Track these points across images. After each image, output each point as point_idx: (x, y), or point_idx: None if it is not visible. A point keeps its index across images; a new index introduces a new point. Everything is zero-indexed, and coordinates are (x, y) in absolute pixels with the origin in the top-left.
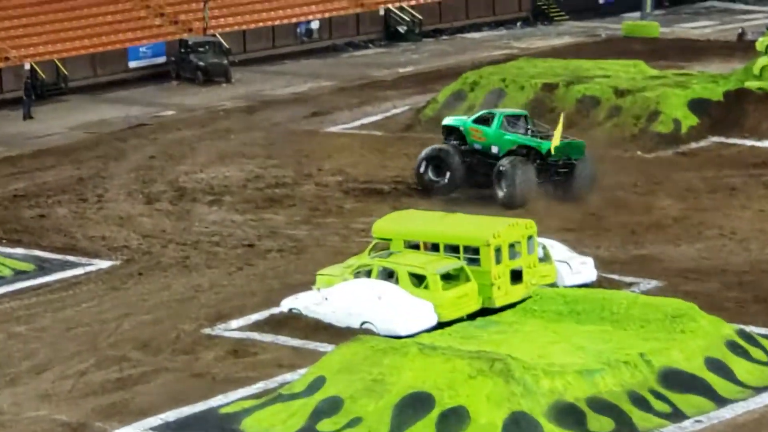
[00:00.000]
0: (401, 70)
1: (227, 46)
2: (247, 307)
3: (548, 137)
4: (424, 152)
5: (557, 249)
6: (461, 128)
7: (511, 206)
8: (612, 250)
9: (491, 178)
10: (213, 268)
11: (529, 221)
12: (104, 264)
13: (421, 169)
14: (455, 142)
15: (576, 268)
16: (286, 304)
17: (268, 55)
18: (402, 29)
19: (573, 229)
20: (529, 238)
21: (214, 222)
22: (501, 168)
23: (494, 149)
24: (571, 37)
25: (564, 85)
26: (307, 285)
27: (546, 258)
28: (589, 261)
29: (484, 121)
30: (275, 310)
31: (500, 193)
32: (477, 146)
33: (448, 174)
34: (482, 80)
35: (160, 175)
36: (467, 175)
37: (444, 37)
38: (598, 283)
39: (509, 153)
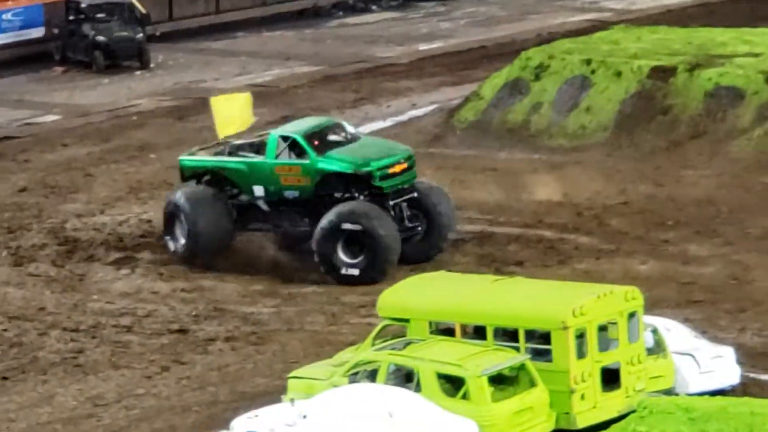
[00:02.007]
0: (423, 47)
1: (143, 11)
2: (178, 430)
3: None
4: None
5: (677, 334)
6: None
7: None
8: (766, 335)
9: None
10: (122, 368)
11: (632, 289)
12: None
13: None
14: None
15: (707, 364)
16: (241, 426)
17: (209, 24)
18: None
19: (700, 300)
20: (632, 316)
21: (124, 294)
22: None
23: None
24: None
25: (686, 70)
26: (273, 394)
27: (659, 349)
28: (728, 353)
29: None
30: None
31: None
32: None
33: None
34: (554, 62)
35: (35, 220)
36: None
37: None
38: (743, 389)
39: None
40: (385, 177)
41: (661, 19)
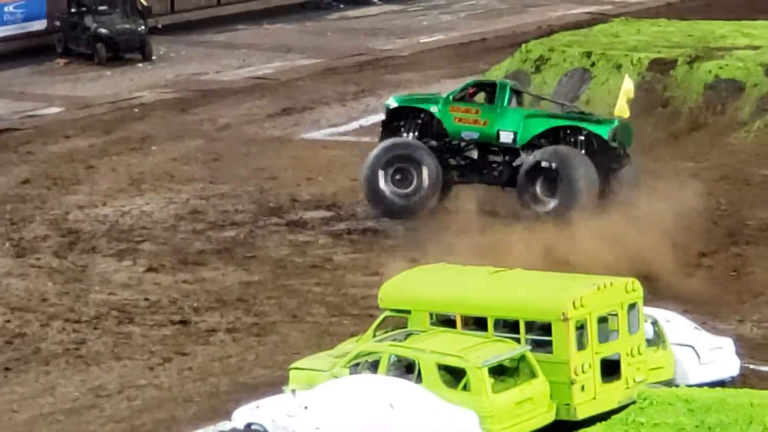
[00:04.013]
0: (424, 40)
1: (145, 3)
2: (180, 421)
3: (591, 117)
4: (376, 152)
5: (677, 325)
6: (432, 110)
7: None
8: (765, 327)
9: (503, 180)
10: (124, 359)
11: (632, 281)
12: None
13: (379, 180)
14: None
15: (706, 355)
16: (243, 417)
17: (210, 16)
18: None
19: (698, 292)
20: (632, 307)
21: (126, 285)
22: (545, 164)
23: (506, 136)
24: None
25: (686, 62)
26: (275, 385)
27: (659, 340)
28: (728, 344)
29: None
30: (225, 427)
31: (548, 205)
32: (470, 135)
33: (417, 182)
34: (554, 55)
35: (38, 211)
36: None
37: None
38: (743, 380)
39: (530, 143)
40: None
41: (661, 12)
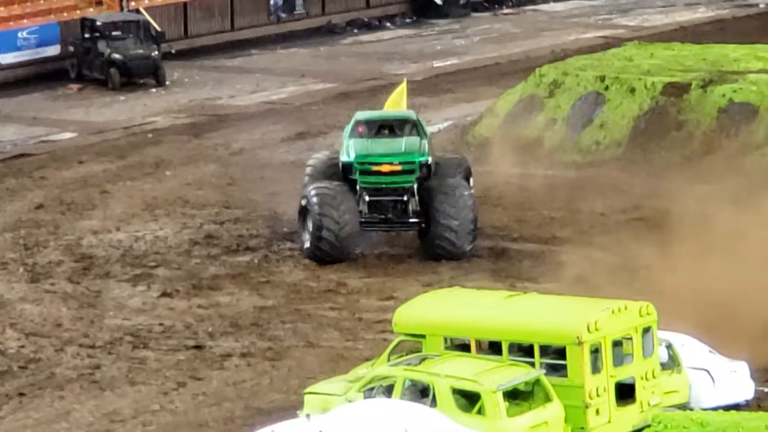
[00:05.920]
0: (438, 64)
1: (158, 29)
2: None
3: None
4: None
5: (692, 349)
6: None
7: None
8: None
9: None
10: (138, 384)
11: (646, 305)
12: None
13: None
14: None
15: (721, 379)
16: None
17: (224, 41)
18: None
19: (712, 316)
20: (646, 331)
21: (140, 310)
22: None
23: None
24: (709, 7)
25: (699, 86)
26: (289, 410)
27: (674, 364)
28: (743, 368)
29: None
30: None
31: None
32: None
33: None
34: (567, 79)
35: (52, 236)
36: None
37: (506, 10)
38: (757, 403)
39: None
40: None
41: (675, 36)
